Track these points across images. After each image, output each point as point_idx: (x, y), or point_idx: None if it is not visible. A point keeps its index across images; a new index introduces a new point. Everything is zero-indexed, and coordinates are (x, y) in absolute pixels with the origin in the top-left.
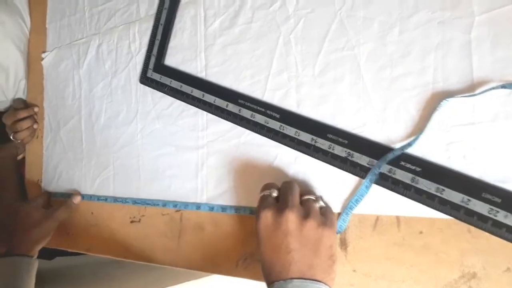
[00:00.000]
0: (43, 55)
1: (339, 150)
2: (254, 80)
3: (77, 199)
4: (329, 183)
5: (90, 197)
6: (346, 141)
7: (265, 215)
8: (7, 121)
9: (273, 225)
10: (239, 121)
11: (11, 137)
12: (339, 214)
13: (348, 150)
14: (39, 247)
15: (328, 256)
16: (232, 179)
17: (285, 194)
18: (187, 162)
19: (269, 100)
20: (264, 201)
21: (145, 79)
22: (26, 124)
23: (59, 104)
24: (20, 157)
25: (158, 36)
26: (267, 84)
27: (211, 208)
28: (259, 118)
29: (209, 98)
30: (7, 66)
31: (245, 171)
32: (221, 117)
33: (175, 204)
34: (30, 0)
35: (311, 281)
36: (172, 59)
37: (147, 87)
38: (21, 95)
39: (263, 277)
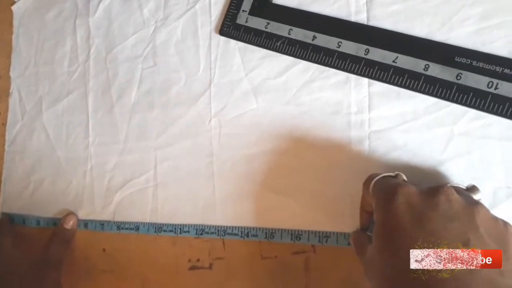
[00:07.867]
0: None
1: None
2: (487, 24)
3: (70, 221)
4: None
5: (102, 226)
6: None
7: (405, 192)
8: None
9: (421, 205)
10: (457, 96)
11: None
12: None
13: None
14: None
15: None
16: None
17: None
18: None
19: None
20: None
21: (232, 29)
22: None
23: (43, 72)
24: None
25: None
26: None
27: None
28: (507, 89)
29: (379, 55)
30: None
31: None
32: (410, 89)
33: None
34: None
35: None
36: None
37: (232, 42)
38: None
39: None
